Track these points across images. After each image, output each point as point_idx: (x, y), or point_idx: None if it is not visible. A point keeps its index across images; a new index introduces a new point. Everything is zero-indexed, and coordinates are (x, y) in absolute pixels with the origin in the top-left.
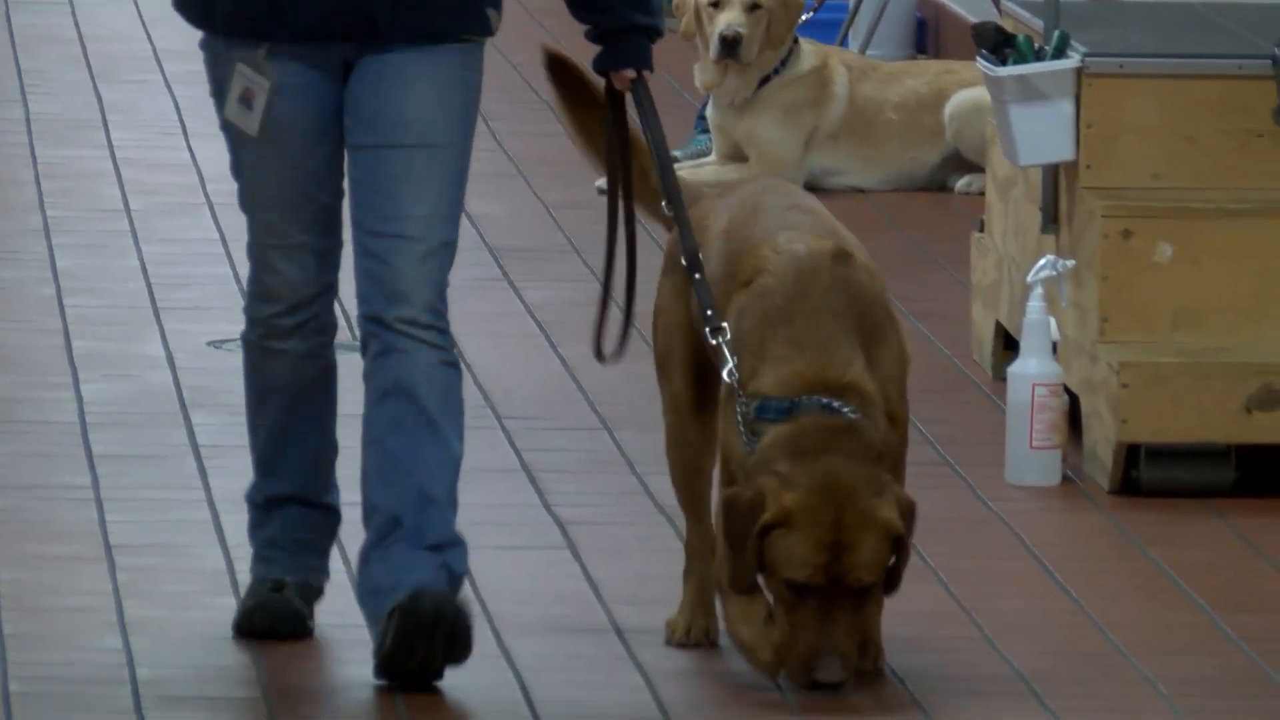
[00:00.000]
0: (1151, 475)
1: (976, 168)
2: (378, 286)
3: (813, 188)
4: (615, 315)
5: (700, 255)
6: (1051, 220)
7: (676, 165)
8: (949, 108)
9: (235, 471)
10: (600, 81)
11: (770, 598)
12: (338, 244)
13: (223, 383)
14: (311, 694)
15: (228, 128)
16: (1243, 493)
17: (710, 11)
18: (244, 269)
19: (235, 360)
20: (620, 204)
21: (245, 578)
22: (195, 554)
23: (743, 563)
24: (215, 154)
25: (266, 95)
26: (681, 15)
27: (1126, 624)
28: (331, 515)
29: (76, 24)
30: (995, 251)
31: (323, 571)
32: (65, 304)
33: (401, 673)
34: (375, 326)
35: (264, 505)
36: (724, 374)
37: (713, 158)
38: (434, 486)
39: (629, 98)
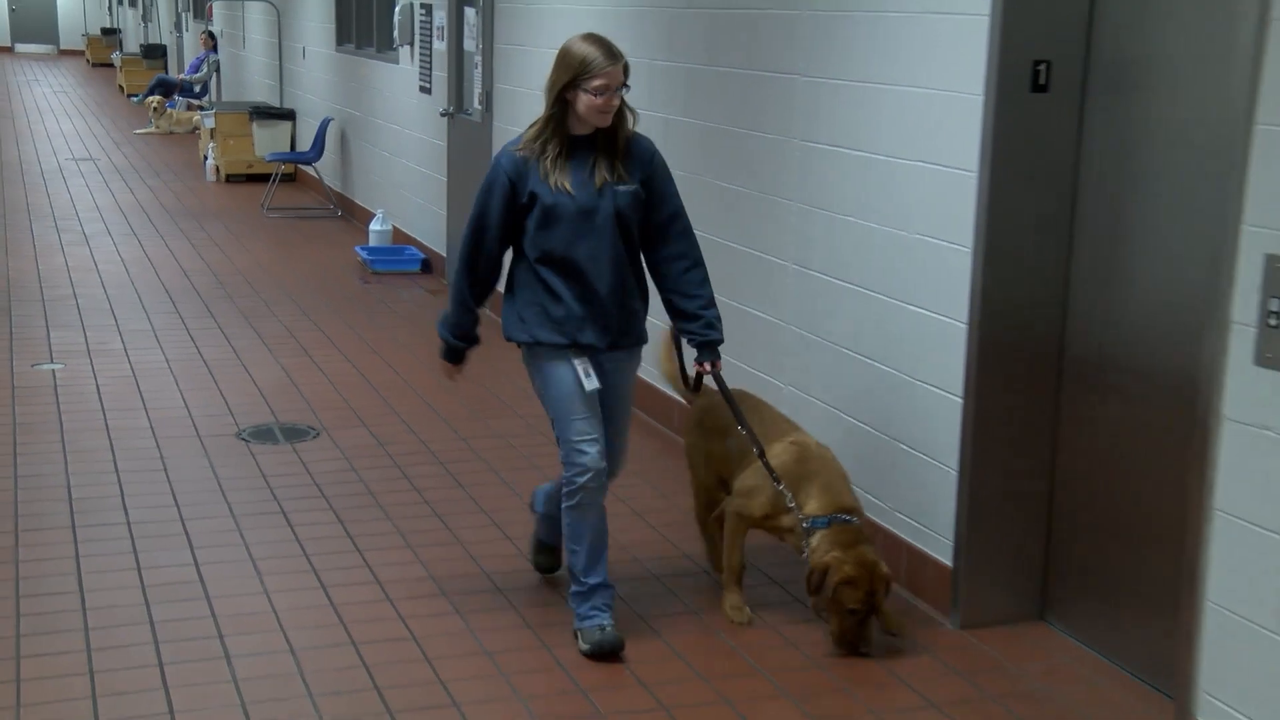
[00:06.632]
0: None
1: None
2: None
3: None
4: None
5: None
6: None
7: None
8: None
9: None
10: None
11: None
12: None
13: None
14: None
15: (562, 390)
16: None
17: None
18: (78, 127)
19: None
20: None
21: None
22: None
23: (821, 598)
24: (72, 125)
25: (590, 366)
26: None
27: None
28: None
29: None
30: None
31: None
32: (33, 133)
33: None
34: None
35: (588, 591)
36: (787, 504)
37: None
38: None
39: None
